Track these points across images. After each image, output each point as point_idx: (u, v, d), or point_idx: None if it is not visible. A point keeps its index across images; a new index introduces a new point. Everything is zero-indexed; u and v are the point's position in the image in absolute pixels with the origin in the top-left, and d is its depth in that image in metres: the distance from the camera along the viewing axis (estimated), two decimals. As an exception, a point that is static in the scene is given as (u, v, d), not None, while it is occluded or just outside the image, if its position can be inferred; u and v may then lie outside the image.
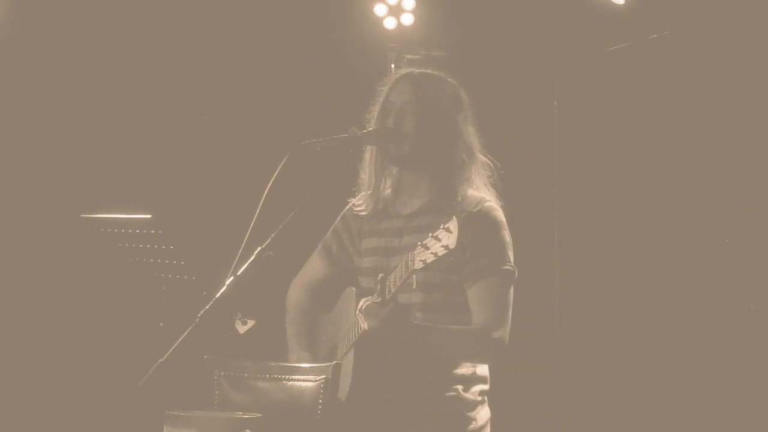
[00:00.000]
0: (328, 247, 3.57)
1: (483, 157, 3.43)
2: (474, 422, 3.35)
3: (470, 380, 3.37)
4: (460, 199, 3.33)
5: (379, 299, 3.14)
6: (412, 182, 3.41)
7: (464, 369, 3.36)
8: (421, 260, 3.02)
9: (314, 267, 3.61)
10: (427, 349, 3.25)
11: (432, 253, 3.01)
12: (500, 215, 3.33)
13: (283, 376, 3.32)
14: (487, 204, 3.33)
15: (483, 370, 3.42)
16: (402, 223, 3.39)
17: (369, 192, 3.46)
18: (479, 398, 3.39)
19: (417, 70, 3.45)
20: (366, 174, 3.47)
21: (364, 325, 3.18)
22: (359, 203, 3.50)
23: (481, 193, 3.37)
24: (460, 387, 3.34)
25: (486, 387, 3.42)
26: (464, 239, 3.12)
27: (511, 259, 3.31)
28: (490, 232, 3.29)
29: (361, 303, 3.21)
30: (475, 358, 3.35)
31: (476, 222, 3.27)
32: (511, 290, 3.31)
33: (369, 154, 3.45)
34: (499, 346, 3.26)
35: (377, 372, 3.28)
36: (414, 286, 3.19)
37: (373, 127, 3.38)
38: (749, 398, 5.42)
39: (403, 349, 3.24)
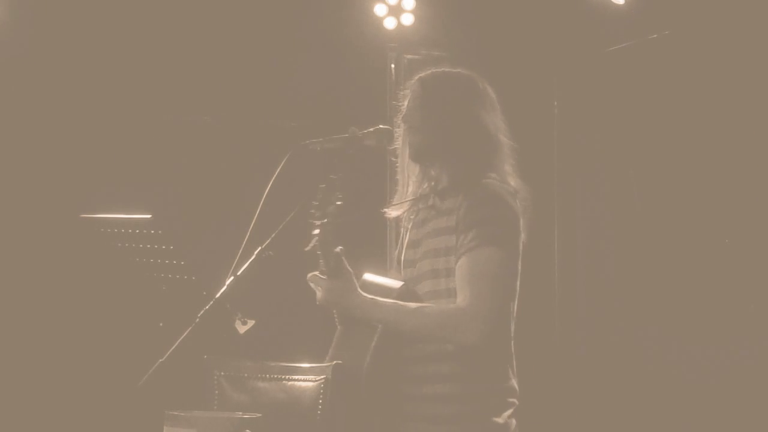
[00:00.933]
0: (398, 256, 3.56)
1: (507, 141, 3.38)
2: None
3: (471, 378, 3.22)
4: (474, 184, 3.26)
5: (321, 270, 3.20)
6: (436, 174, 3.39)
7: (472, 363, 3.19)
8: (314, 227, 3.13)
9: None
10: (382, 323, 3.17)
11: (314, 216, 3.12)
12: (495, 190, 3.21)
13: (282, 376, 3.32)
14: (484, 181, 3.25)
15: (503, 370, 3.27)
16: (426, 214, 3.38)
17: (400, 193, 3.46)
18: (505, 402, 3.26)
19: (429, 71, 3.44)
20: (399, 176, 3.47)
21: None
22: (397, 205, 3.47)
23: (502, 179, 3.30)
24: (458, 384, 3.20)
25: (506, 384, 3.26)
26: (456, 217, 3.19)
27: (503, 232, 3.16)
28: (477, 207, 3.18)
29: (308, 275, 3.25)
30: (446, 336, 3.14)
31: (467, 199, 3.21)
32: (499, 265, 3.13)
33: (400, 156, 3.45)
34: (475, 324, 3.08)
35: (357, 351, 3.20)
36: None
37: (374, 127, 3.39)
38: (749, 398, 5.42)
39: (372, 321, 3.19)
